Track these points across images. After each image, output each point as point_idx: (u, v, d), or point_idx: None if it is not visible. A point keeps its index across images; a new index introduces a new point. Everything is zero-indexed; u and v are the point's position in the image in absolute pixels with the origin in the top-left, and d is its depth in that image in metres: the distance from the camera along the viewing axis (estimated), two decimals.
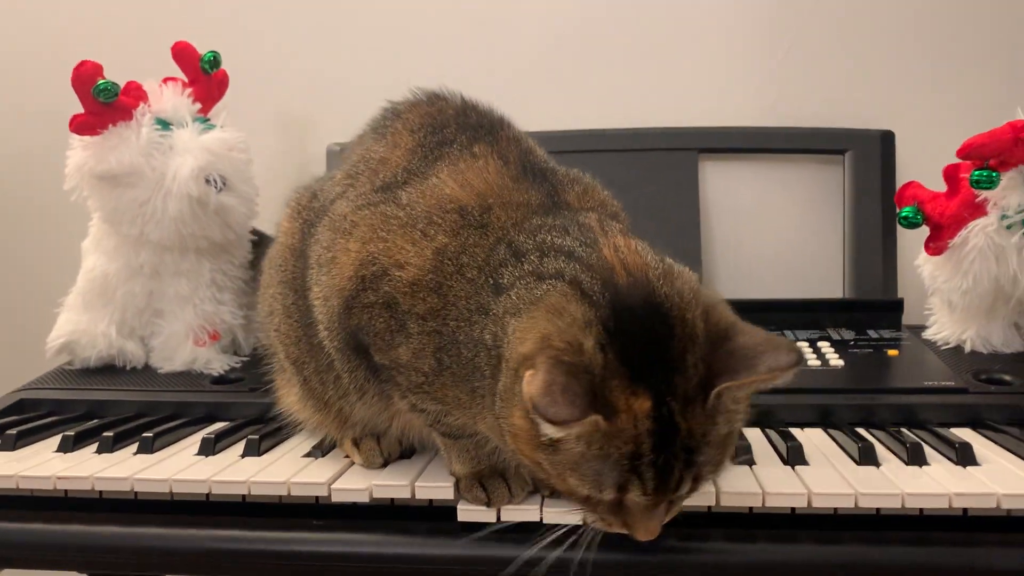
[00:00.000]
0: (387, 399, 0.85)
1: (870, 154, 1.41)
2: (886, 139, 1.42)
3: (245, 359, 1.30)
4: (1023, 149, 1.03)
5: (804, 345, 1.21)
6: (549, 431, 0.63)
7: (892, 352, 1.18)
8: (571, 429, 0.63)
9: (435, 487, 0.84)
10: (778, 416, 1.04)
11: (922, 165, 1.41)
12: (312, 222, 0.92)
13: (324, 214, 0.89)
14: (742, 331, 0.67)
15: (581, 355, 0.64)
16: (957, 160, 1.13)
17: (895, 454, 0.90)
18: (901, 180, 1.40)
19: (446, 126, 0.89)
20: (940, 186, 1.19)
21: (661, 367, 0.65)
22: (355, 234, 0.82)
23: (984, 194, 1.07)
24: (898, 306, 1.31)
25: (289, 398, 1.00)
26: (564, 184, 0.84)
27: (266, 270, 1.01)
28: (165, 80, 1.29)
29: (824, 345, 1.21)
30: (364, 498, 0.85)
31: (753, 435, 0.98)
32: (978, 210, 1.09)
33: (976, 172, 1.04)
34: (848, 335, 1.26)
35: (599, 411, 0.63)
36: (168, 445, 1.01)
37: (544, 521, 0.80)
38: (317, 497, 0.86)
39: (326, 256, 0.84)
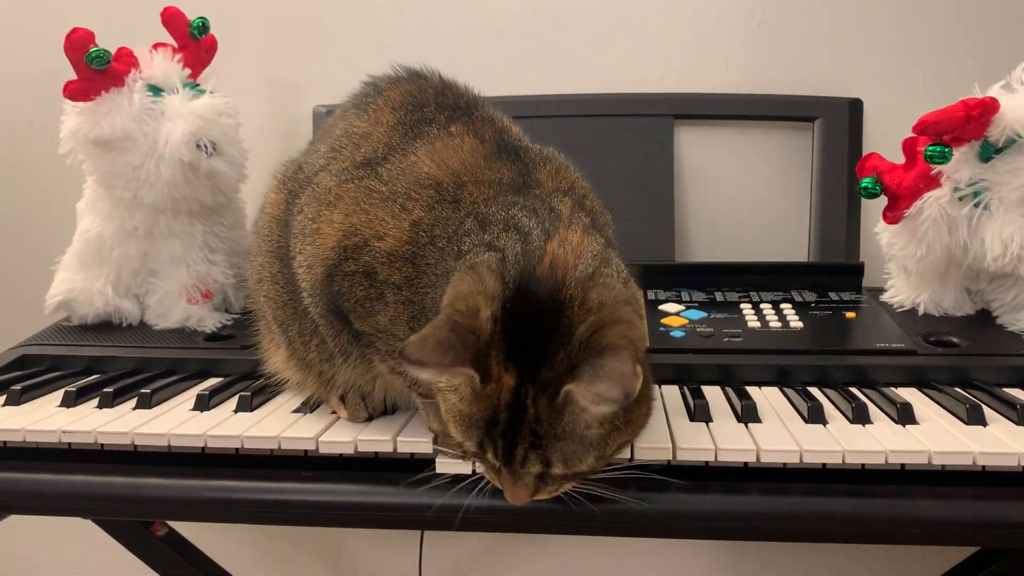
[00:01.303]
0: (369, 362, 0.92)
1: (838, 122, 1.46)
2: (854, 107, 1.46)
3: (236, 316, 1.36)
4: (974, 126, 1.08)
5: (768, 307, 1.27)
6: (414, 373, 0.72)
7: (850, 315, 1.25)
8: (440, 376, 0.72)
9: (415, 441, 0.91)
10: (738, 376, 1.10)
11: (889, 133, 1.46)
12: (296, 192, 0.97)
13: (308, 185, 0.94)
14: (615, 355, 0.69)
15: (475, 319, 0.72)
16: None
17: (843, 413, 0.97)
18: (868, 148, 1.45)
19: (425, 105, 0.94)
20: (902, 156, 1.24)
21: (534, 355, 0.72)
22: (339, 206, 0.87)
23: (938, 168, 1.12)
24: (859, 270, 1.37)
25: (275, 358, 1.06)
26: (536, 163, 0.89)
27: (254, 239, 1.06)
28: (155, 46, 1.32)
29: (787, 307, 1.27)
30: (349, 450, 0.92)
31: (713, 393, 1.05)
32: (933, 182, 1.15)
33: (930, 147, 1.10)
34: (810, 297, 1.33)
35: (477, 370, 0.71)
36: (165, 400, 1.07)
37: None
38: (306, 451, 0.93)
39: (311, 227, 0.89)
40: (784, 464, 0.87)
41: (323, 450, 0.92)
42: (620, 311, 0.74)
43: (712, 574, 1.74)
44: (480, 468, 0.81)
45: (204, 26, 1.35)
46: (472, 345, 0.71)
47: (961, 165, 1.12)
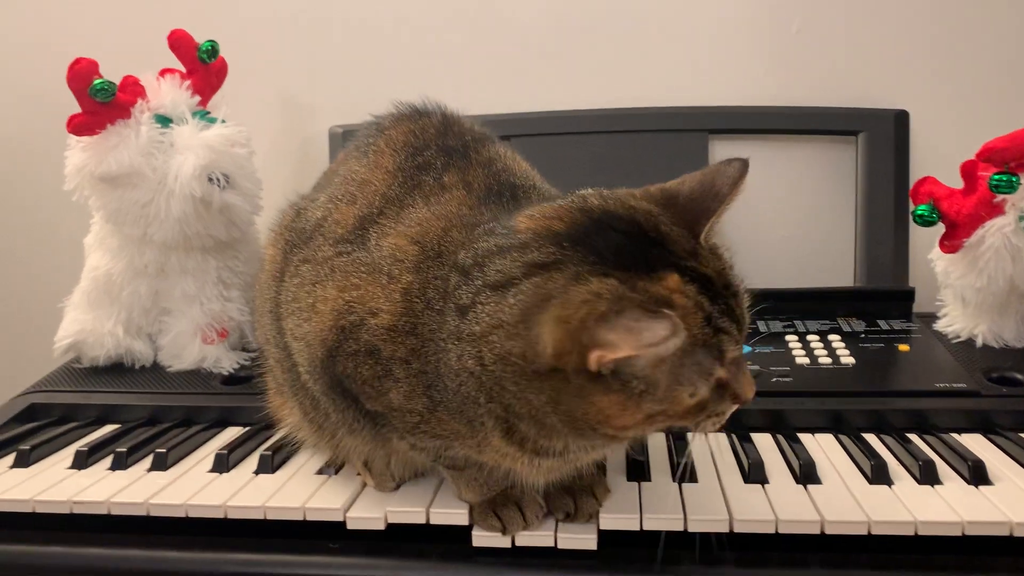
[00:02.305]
0: (385, 439, 0.85)
1: (884, 135, 1.39)
2: (900, 119, 1.39)
3: (253, 354, 1.30)
4: None
5: (815, 339, 1.21)
6: (663, 350, 0.61)
7: (903, 347, 1.18)
8: (672, 337, 0.61)
9: (450, 513, 0.84)
10: (790, 422, 1.04)
11: (937, 147, 1.40)
12: (294, 244, 0.89)
13: (305, 239, 0.87)
14: (679, 188, 0.73)
15: (599, 302, 0.62)
16: (972, 142, 1.11)
17: (908, 470, 0.90)
18: (916, 162, 1.38)
19: (427, 148, 0.87)
20: (954, 167, 1.17)
21: (654, 250, 0.67)
22: (332, 281, 0.80)
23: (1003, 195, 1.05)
24: (910, 295, 1.30)
25: (290, 419, 0.99)
26: (533, 201, 0.80)
27: (258, 298, 1.00)
28: (162, 72, 1.26)
29: (835, 339, 1.21)
30: (379, 525, 0.85)
31: (764, 442, 0.99)
32: (995, 209, 1.08)
33: (995, 176, 1.02)
34: (859, 326, 1.26)
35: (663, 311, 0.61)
36: (182, 459, 1.01)
37: (558, 546, 0.81)
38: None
39: (306, 301, 0.82)
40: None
41: (351, 525, 0.86)
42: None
43: None
44: (703, 425, 0.71)
45: (214, 50, 1.29)
46: (638, 305, 0.61)
47: None
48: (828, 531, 0.80)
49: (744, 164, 0.72)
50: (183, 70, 1.28)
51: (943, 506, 0.82)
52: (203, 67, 1.29)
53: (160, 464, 0.98)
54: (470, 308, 0.70)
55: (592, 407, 0.66)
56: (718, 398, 0.68)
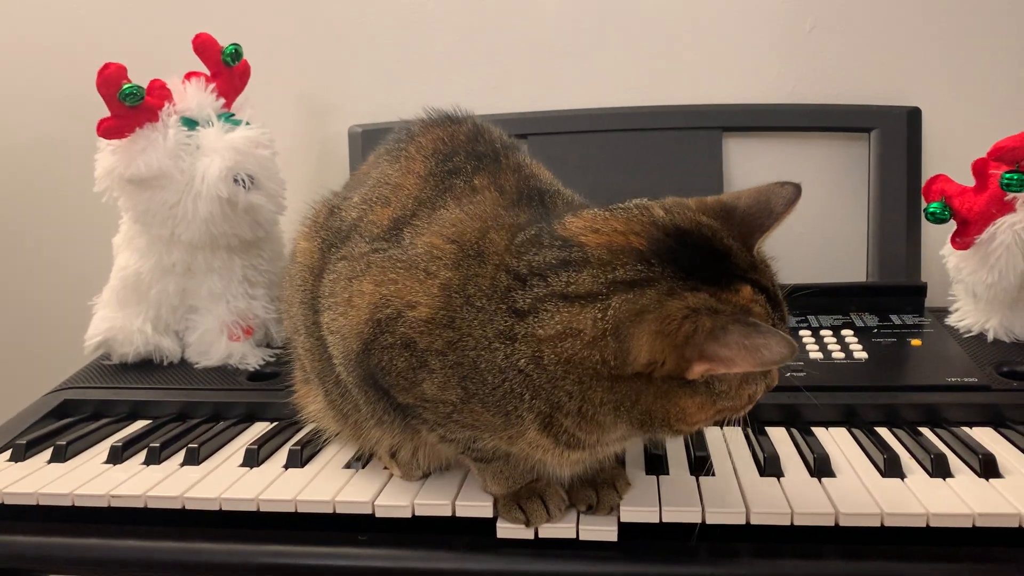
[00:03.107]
0: (413, 431, 0.88)
1: (896, 132, 1.40)
2: (912, 116, 1.40)
3: (278, 351, 1.33)
4: None
5: (828, 334, 1.23)
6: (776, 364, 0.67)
7: (915, 342, 1.20)
8: (789, 356, 0.66)
9: (475, 505, 0.87)
10: (804, 416, 1.06)
11: (950, 144, 1.41)
12: (331, 243, 0.93)
13: (343, 238, 0.91)
14: (736, 202, 0.77)
15: (701, 317, 0.67)
16: (984, 140, 1.13)
17: (920, 463, 0.93)
18: (928, 159, 1.39)
19: (456, 154, 0.90)
20: (965, 165, 1.18)
21: (724, 263, 0.72)
22: (368, 276, 0.83)
23: (1014, 193, 1.07)
24: (922, 291, 1.31)
25: (313, 407, 1.03)
26: (560, 207, 0.85)
27: (286, 288, 1.02)
28: (188, 76, 1.29)
29: (848, 334, 1.23)
30: (407, 514, 0.88)
31: (779, 436, 1.01)
32: (1006, 207, 1.09)
33: (1007, 174, 1.04)
34: (872, 321, 1.27)
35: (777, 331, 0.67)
36: (213, 453, 1.04)
37: (580, 538, 0.84)
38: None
39: (343, 296, 0.85)
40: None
41: (380, 514, 0.89)
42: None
43: None
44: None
45: (237, 53, 1.31)
46: (734, 314, 0.68)
47: None
48: (842, 523, 0.82)
49: (798, 188, 0.77)
50: (208, 73, 1.31)
51: (954, 499, 0.84)
52: (227, 70, 1.31)
53: (192, 459, 1.01)
54: (529, 313, 0.73)
55: (674, 407, 0.71)
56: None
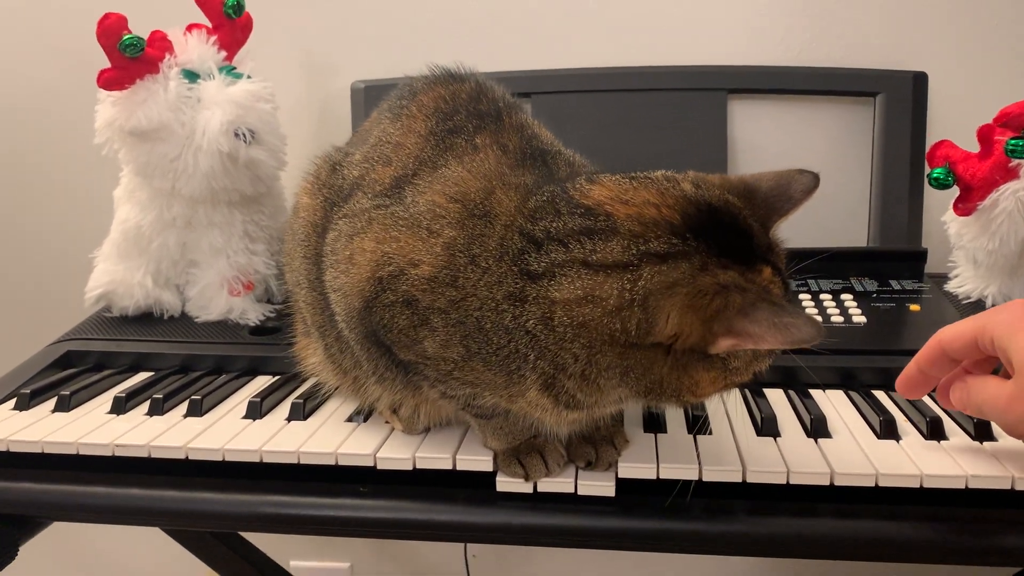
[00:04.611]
0: (416, 387, 0.89)
1: (902, 97, 1.39)
2: (919, 81, 1.39)
3: (279, 307, 1.33)
4: None
5: (828, 298, 1.23)
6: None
7: (914, 307, 1.20)
8: (817, 337, 0.68)
9: (475, 459, 0.88)
10: (801, 378, 1.07)
11: (955, 110, 1.40)
12: (334, 201, 0.93)
13: (345, 196, 0.91)
14: (757, 183, 0.77)
15: (732, 294, 0.68)
16: (990, 105, 1.12)
17: (915, 426, 0.94)
18: (934, 125, 1.39)
19: (457, 112, 0.90)
20: (971, 130, 1.17)
21: (747, 242, 0.73)
22: (370, 233, 0.84)
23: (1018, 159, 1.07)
24: (922, 256, 1.31)
25: (312, 359, 1.04)
26: (562, 167, 0.86)
27: (288, 242, 1.02)
28: (189, 27, 1.27)
29: (847, 298, 1.23)
30: (407, 466, 0.89)
31: (777, 397, 1.02)
32: (1011, 173, 1.09)
33: (1012, 140, 1.04)
34: (871, 286, 1.28)
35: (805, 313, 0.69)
36: (215, 405, 1.05)
37: (578, 492, 0.85)
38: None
39: (344, 254, 0.86)
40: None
41: (381, 466, 0.90)
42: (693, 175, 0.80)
43: None
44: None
45: (239, 5, 1.30)
46: (758, 293, 0.69)
47: None
48: (837, 483, 0.83)
49: (816, 178, 0.78)
50: (209, 25, 1.29)
51: (948, 460, 0.85)
52: (229, 22, 1.30)
53: (195, 410, 1.02)
54: (544, 276, 0.73)
55: (688, 379, 0.73)
56: None
